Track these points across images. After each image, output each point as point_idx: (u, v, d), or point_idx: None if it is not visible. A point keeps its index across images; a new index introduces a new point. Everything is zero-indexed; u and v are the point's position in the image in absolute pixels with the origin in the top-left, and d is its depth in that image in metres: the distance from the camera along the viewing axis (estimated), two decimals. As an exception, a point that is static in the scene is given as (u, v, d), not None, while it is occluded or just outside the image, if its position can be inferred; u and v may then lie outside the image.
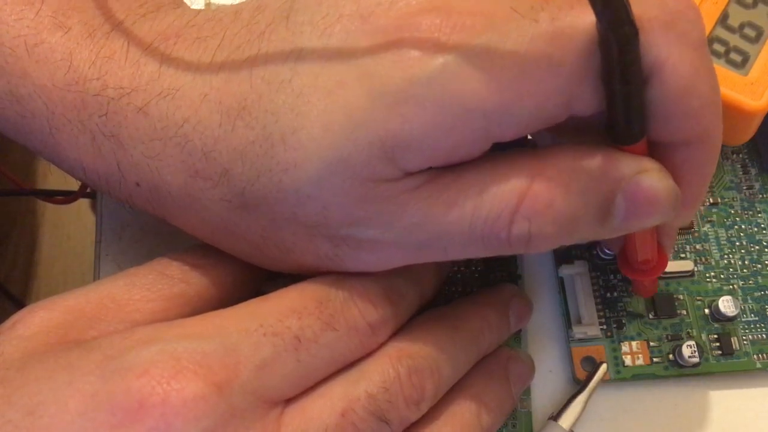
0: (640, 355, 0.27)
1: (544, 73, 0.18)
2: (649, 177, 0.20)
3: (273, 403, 0.20)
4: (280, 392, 0.20)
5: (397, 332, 0.23)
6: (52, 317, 0.21)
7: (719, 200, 0.30)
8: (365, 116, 0.19)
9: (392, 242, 0.21)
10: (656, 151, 0.20)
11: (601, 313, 0.28)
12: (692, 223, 0.29)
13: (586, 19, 0.18)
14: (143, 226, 0.30)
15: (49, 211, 0.84)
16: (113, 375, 0.19)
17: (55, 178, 0.82)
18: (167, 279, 0.22)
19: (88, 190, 0.31)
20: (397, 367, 0.21)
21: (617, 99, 0.18)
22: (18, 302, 0.71)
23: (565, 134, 0.21)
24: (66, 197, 0.34)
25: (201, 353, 0.19)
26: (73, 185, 0.33)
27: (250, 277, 0.24)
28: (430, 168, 0.20)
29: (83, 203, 0.76)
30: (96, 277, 0.29)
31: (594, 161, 0.20)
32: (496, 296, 0.26)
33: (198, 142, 0.21)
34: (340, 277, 0.22)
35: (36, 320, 0.21)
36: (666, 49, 0.18)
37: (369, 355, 0.22)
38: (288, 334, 0.20)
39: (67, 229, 0.85)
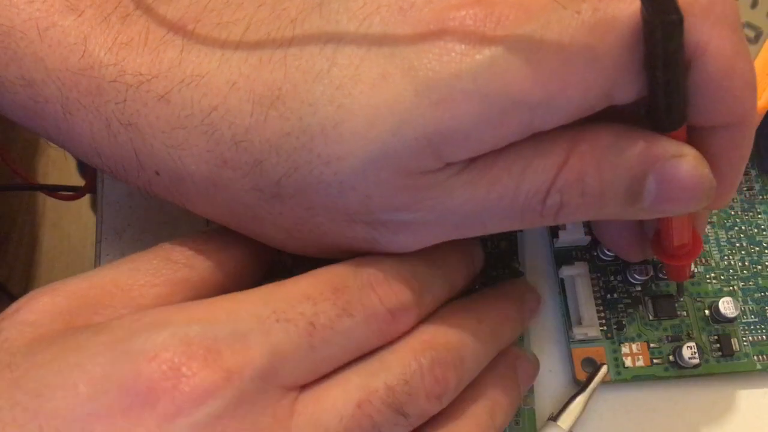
0: (640, 357, 0.27)
1: (587, 64, 0.18)
2: (687, 162, 0.20)
3: (286, 389, 0.20)
4: (292, 378, 0.20)
5: (419, 323, 0.22)
6: (56, 302, 0.21)
7: (719, 201, 0.30)
8: (411, 112, 0.19)
9: (432, 223, 0.21)
10: (692, 137, 0.20)
11: (602, 315, 0.28)
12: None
13: (628, 8, 0.18)
14: (143, 226, 0.30)
15: (50, 211, 0.84)
16: (123, 358, 0.18)
17: (55, 178, 0.83)
18: (171, 264, 0.22)
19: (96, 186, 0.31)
20: (420, 358, 0.21)
21: (660, 86, 0.18)
22: (18, 302, 0.71)
23: (600, 120, 0.21)
24: (74, 193, 0.33)
25: (212, 338, 0.19)
26: (76, 184, 0.33)
27: (254, 263, 0.24)
28: None
29: (83, 203, 0.76)
30: (96, 277, 0.29)
31: (629, 140, 0.20)
32: (513, 290, 0.26)
33: (227, 132, 0.20)
34: (359, 263, 0.22)
35: (40, 306, 0.20)
36: (707, 33, 0.18)
37: (390, 344, 0.21)
38: (301, 320, 0.20)
39: (68, 228, 0.85)
